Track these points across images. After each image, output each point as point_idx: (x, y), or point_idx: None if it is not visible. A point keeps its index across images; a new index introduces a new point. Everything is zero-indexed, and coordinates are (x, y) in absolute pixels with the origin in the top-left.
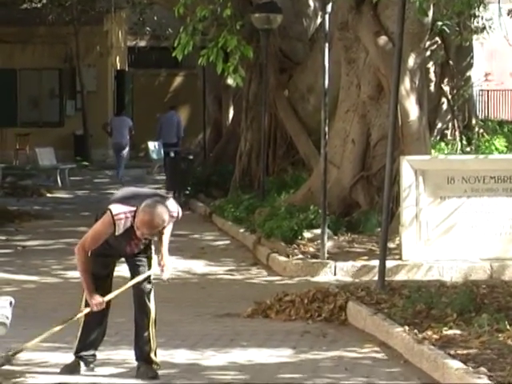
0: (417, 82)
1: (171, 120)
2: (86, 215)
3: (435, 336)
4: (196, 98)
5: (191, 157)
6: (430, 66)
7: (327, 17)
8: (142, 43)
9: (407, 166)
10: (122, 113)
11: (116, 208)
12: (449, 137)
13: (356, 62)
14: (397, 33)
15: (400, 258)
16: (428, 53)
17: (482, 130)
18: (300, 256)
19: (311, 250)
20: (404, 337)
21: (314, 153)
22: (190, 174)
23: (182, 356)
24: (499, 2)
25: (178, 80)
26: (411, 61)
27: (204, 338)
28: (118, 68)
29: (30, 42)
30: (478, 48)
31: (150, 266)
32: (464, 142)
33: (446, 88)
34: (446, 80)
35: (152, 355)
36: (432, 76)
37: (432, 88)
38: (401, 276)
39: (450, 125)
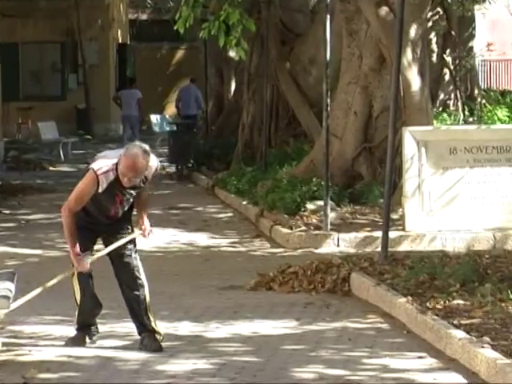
0: (419, 53)
1: (190, 93)
2: None
3: (438, 306)
4: (198, 71)
5: (194, 130)
6: (432, 36)
7: None
8: (144, 16)
9: (409, 137)
10: (132, 86)
11: (97, 164)
12: (451, 107)
13: (357, 34)
14: (398, 3)
15: (403, 229)
16: (430, 23)
17: (484, 101)
18: (303, 228)
19: (314, 221)
20: (407, 307)
21: (315, 125)
22: (193, 146)
23: (185, 328)
24: None
25: (180, 53)
26: (413, 32)
27: (207, 311)
28: (120, 42)
29: (32, 16)
30: (479, 18)
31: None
32: (466, 113)
33: (448, 59)
34: (448, 51)
35: (153, 325)
36: (434, 47)
37: (434, 59)
38: (404, 247)
39: (453, 95)
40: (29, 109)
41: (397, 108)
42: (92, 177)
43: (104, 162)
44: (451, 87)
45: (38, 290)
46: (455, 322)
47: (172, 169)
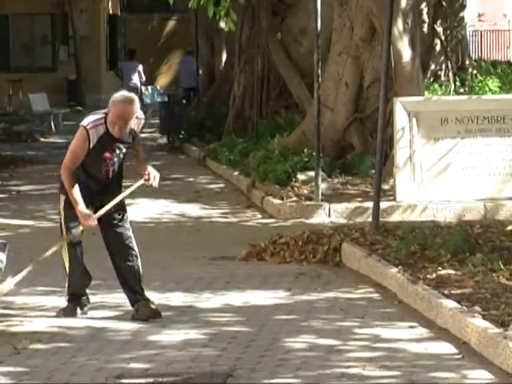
0: (409, 24)
1: (189, 65)
2: None
3: (429, 276)
4: (189, 43)
5: (184, 101)
6: (423, 7)
7: None
8: None
9: (400, 107)
10: (133, 57)
11: (86, 120)
12: (442, 78)
13: (348, 4)
14: None
15: (394, 200)
16: None
17: (475, 71)
18: (294, 198)
19: (305, 192)
20: (398, 277)
21: (307, 95)
22: (184, 117)
23: (177, 299)
24: None
25: (171, 24)
26: (404, 2)
27: (199, 281)
28: (111, 13)
29: None
30: None
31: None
32: (457, 84)
33: (439, 29)
34: (439, 21)
35: (146, 294)
36: (425, 17)
37: (425, 29)
38: (395, 217)
39: (444, 66)
40: (19, 80)
41: (388, 79)
42: (82, 133)
43: (92, 117)
44: (442, 58)
45: (30, 267)
46: (446, 291)
47: (163, 140)
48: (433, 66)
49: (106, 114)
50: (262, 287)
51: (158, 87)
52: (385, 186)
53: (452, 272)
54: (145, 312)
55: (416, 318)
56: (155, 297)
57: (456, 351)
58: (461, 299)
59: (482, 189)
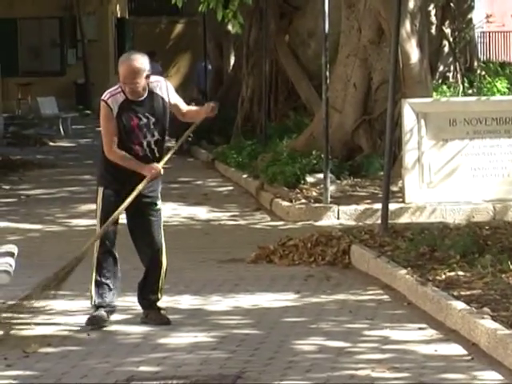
0: (417, 25)
1: (203, 68)
2: (88, 163)
3: (438, 278)
4: (197, 46)
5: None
6: (431, 8)
7: None
8: None
9: (409, 109)
10: (153, 59)
11: (104, 95)
12: (451, 79)
13: (356, 6)
14: None
15: (403, 201)
16: None
17: (483, 72)
18: (303, 201)
19: (314, 194)
20: (407, 279)
21: (315, 98)
22: None
23: (186, 301)
24: None
25: (179, 27)
26: (411, 3)
27: (208, 284)
28: (119, 16)
29: None
30: None
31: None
32: (466, 85)
33: (448, 31)
34: (447, 22)
35: (159, 304)
36: (433, 19)
37: (433, 31)
38: (404, 219)
39: (452, 67)
40: (28, 84)
41: (396, 80)
42: (103, 106)
43: (109, 90)
44: (450, 59)
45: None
46: (455, 293)
47: (172, 143)
48: (441, 68)
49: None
50: (271, 289)
51: None
52: (393, 188)
53: (461, 273)
54: (154, 319)
55: (425, 320)
56: (164, 299)
57: (465, 353)
58: (470, 300)
59: (490, 190)
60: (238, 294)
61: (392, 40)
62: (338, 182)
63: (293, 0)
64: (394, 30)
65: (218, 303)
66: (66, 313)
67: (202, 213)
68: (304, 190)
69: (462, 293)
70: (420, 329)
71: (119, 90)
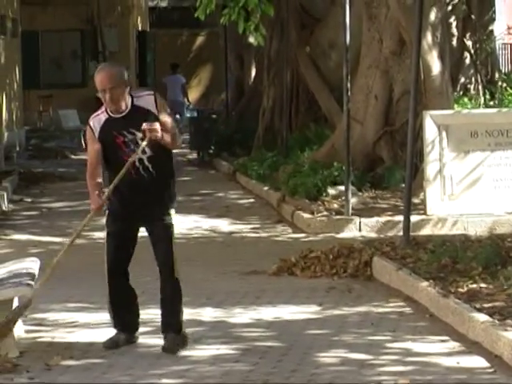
0: (439, 37)
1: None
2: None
3: (460, 290)
4: (218, 57)
5: (214, 116)
6: (452, 20)
7: None
8: (164, 3)
9: (430, 120)
10: (176, 71)
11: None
12: (472, 91)
13: (377, 18)
14: None
15: (424, 213)
16: (449, 7)
17: (504, 84)
18: (324, 213)
19: (335, 206)
20: (429, 291)
21: (336, 109)
22: (213, 132)
23: (208, 314)
24: None
25: (200, 39)
26: (432, 15)
27: (230, 296)
28: (140, 28)
29: (52, 4)
30: (499, 1)
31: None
32: (487, 97)
33: (469, 42)
34: (468, 34)
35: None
36: (454, 31)
37: (454, 43)
38: (425, 231)
39: (473, 79)
40: (49, 96)
41: (417, 92)
42: (87, 129)
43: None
44: (472, 71)
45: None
46: (478, 305)
47: (193, 155)
48: (462, 79)
49: None
50: (293, 302)
51: (187, 102)
52: (415, 200)
53: (484, 285)
54: (167, 346)
55: (447, 332)
56: (186, 312)
57: (488, 365)
58: (493, 312)
59: None
60: (260, 307)
61: (413, 51)
62: (360, 193)
63: (314, 11)
64: (415, 41)
65: (240, 315)
66: (88, 325)
67: (223, 225)
68: (325, 202)
69: (485, 305)
70: (442, 341)
71: (103, 109)
